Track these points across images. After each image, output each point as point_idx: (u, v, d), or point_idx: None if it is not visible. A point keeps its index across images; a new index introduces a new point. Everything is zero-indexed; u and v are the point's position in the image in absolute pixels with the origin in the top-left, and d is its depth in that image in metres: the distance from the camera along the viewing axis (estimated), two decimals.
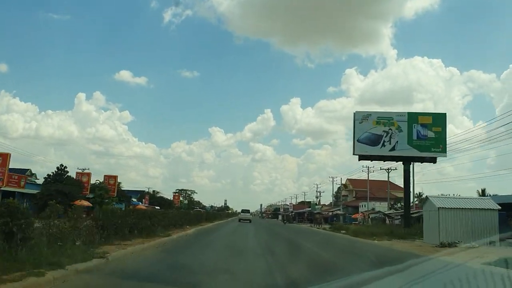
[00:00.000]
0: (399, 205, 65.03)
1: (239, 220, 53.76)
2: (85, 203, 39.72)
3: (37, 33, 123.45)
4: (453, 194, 41.32)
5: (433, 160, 33.94)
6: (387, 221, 46.25)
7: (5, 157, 36.91)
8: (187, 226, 22.57)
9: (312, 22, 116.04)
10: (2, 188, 36.08)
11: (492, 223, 20.91)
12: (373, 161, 37.73)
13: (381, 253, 16.23)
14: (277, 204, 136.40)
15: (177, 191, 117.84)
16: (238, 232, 25.83)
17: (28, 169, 65.41)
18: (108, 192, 46.52)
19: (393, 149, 33.51)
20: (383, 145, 33.63)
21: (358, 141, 33.75)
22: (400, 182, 77.42)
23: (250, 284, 7.21)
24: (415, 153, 33.22)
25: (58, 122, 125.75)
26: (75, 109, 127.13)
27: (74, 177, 46.40)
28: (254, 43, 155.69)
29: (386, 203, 67.84)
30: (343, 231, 36.58)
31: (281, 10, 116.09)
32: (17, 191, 38.33)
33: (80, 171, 48.33)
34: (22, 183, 40.89)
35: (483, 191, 67.42)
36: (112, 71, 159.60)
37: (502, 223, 21.39)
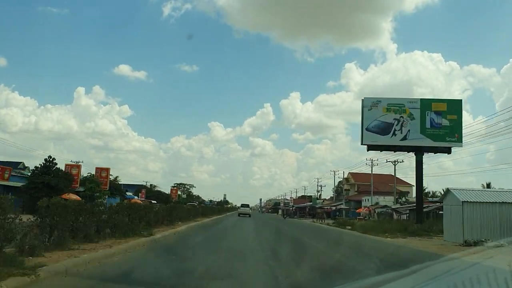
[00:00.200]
0: (403, 199, 63.01)
1: (239, 214, 53.18)
2: (73, 196, 37.13)
3: (36, 27, 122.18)
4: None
5: (447, 150, 31.39)
6: (395, 216, 43.78)
7: None
8: (179, 222, 20.05)
9: (312, 16, 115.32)
10: None
11: None
12: (382, 152, 34.95)
13: (402, 253, 13.77)
14: (277, 198, 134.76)
15: (175, 185, 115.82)
16: (236, 228, 23.37)
17: (21, 162, 63.03)
18: (100, 185, 43.91)
19: (404, 138, 30.93)
20: (394, 134, 31.05)
21: (366, 129, 31.14)
22: (403, 176, 76.03)
23: None
24: (429, 142, 30.67)
25: (58, 116, 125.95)
26: (74, 103, 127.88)
27: (63, 169, 43.74)
28: (254, 37, 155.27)
29: (390, 197, 65.93)
30: (349, 227, 34.18)
31: (280, 4, 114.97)
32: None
33: (70, 163, 45.67)
34: (6, 175, 38.32)
35: (488, 185, 65.50)
36: (112, 65, 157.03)
37: None
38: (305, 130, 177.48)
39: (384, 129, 31.12)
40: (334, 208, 61.95)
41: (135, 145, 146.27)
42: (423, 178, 31.57)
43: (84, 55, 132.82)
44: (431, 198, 66.67)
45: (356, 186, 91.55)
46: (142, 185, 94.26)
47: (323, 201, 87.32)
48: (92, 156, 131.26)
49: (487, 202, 19.20)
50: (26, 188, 36.58)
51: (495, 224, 18.80)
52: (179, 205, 23.01)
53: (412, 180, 64.46)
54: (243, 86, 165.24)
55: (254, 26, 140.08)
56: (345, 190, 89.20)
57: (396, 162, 51.43)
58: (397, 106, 31.37)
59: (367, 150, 32.07)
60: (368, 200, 65.81)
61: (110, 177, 53.09)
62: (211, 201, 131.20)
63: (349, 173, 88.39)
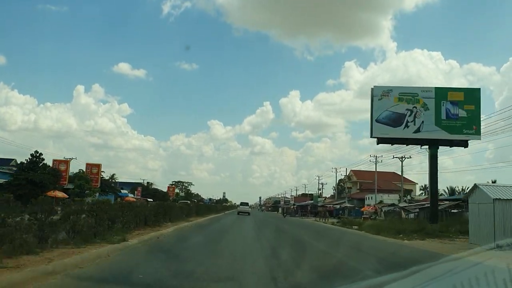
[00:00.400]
0: (408, 197, 60.53)
1: (238, 213, 53.14)
2: (59, 194, 34.72)
3: (35, 25, 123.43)
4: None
5: (464, 144, 28.78)
6: (403, 215, 41.23)
7: None
8: (168, 223, 17.48)
9: (312, 14, 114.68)
10: None
11: None
12: (393, 145, 32.36)
13: (442, 263, 11.07)
14: (277, 196, 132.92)
15: (173, 183, 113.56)
16: (234, 229, 20.83)
17: (13, 159, 60.48)
18: (90, 182, 41.27)
19: (418, 130, 28.33)
20: (406, 125, 28.44)
21: (376, 121, 28.52)
22: (405, 174, 73.61)
23: None
24: (444, 135, 28.09)
25: (57, 114, 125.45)
26: (74, 102, 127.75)
27: (51, 165, 41.14)
28: (253, 35, 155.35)
29: (394, 195, 63.64)
30: (355, 227, 31.70)
31: (280, 2, 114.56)
32: None
33: (58, 158, 43.02)
34: None
35: (494, 182, 63.27)
36: (111, 64, 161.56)
37: None
38: (304, 129, 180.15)
39: (396, 120, 28.53)
40: (338, 206, 59.32)
41: (134, 144, 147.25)
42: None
43: (84, 53, 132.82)
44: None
45: (358, 184, 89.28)
46: (139, 183, 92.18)
47: (325, 199, 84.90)
48: (92, 154, 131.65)
49: None
50: (9, 185, 34.01)
51: None
52: (168, 203, 20.24)
53: (415, 178, 62.31)
54: (242, 84, 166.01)
55: (254, 24, 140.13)
56: (348, 188, 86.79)
57: (403, 158, 48.83)
58: (409, 96, 28.78)
59: (377, 144, 29.48)
60: (371, 198, 63.44)
61: (104, 174, 50.77)
62: (210, 199, 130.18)
63: (351, 170, 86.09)
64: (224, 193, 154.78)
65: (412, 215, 41.56)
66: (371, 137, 28.83)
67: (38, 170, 38.87)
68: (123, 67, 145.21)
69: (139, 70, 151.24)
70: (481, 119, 28.99)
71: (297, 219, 55.04)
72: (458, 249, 15.73)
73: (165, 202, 22.80)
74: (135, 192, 75.90)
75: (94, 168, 45.36)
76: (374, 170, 67.22)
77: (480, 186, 18.10)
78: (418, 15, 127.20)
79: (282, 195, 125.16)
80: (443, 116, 28.17)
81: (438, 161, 28.58)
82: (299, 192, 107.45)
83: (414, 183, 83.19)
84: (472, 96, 28.68)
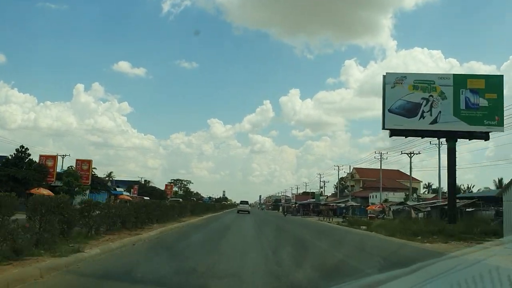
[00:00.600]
0: (415, 195, 58.00)
1: (238, 211, 53.36)
2: (44, 191, 31.98)
3: (35, 23, 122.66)
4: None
5: (485, 136, 26.22)
6: (413, 214, 38.67)
7: None
8: (154, 225, 14.86)
9: (312, 13, 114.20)
10: None
11: None
12: (407, 138, 29.75)
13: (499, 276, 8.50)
14: (278, 195, 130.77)
15: (172, 181, 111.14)
16: (232, 231, 18.23)
17: (6, 156, 57.91)
18: (79, 179, 38.61)
19: (434, 121, 25.74)
20: (422, 116, 25.86)
21: (389, 111, 25.92)
22: (408, 171, 71.12)
23: None
24: (463, 126, 25.51)
25: (57, 113, 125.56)
26: (73, 100, 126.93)
27: (38, 160, 38.53)
28: (253, 33, 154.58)
29: (399, 193, 61.39)
30: (364, 227, 29.15)
31: (280, 0, 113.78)
32: None
33: (45, 153, 40.36)
34: None
35: (500, 180, 60.89)
36: (111, 62, 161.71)
37: None
38: (304, 127, 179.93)
39: (410, 110, 25.94)
40: (343, 205, 56.78)
41: (134, 142, 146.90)
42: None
43: (84, 52, 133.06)
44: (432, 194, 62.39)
45: (361, 182, 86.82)
46: (136, 181, 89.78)
47: (327, 197, 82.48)
48: (92, 153, 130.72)
49: None
50: None
51: None
52: (154, 201, 17.59)
53: (418, 176, 59.77)
54: (242, 82, 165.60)
55: (254, 23, 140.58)
56: (351, 186, 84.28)
57: (412, 154, 46.19)
58: (425, 83, 26.17)
59: (390, 136, 26.85)
60: (376, 196, 61.02)
61: (102, 172, 48.32)
62: (210, 197, 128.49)
63: (354, 168, 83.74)
64: (224, 191, 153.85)
65: (421, 214, 39.20)
66: (383, 128, 26.25)
67: (23, 166, 36.32)
68: (123, 66, 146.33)
69: (139, 69, 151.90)
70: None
71: (299, 218, 52.49)
72: (501, 257, 13.21)
73: (141, 200, 20.31)
74: (132, 190, 73.25)
75: (84, 164, 42.60)
76: (377, 168, 65.30)
77: None
78: (418, 14, 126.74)
79: (283, 194, 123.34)
80: (462, 106, 25.61)
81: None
82: (300, 191, 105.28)
83: (419, 181, 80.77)
84: (494, 83, 26.13)
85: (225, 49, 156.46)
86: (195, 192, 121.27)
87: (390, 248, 14.56)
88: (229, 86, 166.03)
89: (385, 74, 26.80)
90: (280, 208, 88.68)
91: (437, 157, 41.23)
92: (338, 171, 75.68)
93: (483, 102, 25.54)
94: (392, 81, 26.32)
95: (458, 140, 26.43)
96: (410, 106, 25.94)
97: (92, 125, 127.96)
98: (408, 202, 44.08)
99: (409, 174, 71.86)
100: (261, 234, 18.06)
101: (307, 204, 71.13)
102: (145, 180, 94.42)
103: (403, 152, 46.81)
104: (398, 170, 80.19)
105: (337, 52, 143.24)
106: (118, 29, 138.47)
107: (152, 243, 10.93)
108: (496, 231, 20.11)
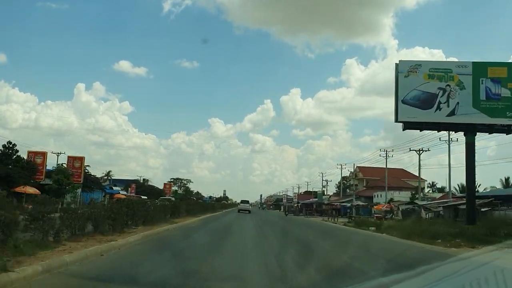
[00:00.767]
0: (421, 194, 55.87)
1: (239, 211, 53.63)
2: (30, 190, 30.02)
3: (35, 22, 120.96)
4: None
5: (507, 130, 24.06)
6: (423, 214, 36.49)
7: None
8: (137, 228, 12.64)
9: (313, 12, 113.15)
10: None
11: None
12: (421, 131, 27.55)
13: None
14: (279, 194, 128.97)
15: (171, 179, 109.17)
16: (231, 235, 16.03)
17: None
18: (69, 177, 36.42)
19: (452, 113, 23.60)
20: (439, 107, 23.70)
21: (403, 102, 23.76)
22: (412, 170, 69.10)
23: None
24: (484, 119, 23.39)
25: (58, 112, 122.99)
26: (74, 100, 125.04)
27: (26, 157, 36.39)
28: (254, 33, 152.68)
29: (405, 192, 59.38)
30: (373, 228, 26.96)
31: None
32: None
33: (34, 150, 38.19)
34: None
35: (507, 179, 58.82)
36: (112, 61, 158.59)
37: None
38: (305, 126, 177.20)
39: (426, 101, 23.79)
40: (349, 204, 54.60)
41: (135, 142, 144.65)
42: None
43: (84, 51, 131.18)
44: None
45: (364, 181, 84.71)
46: (135, 180, 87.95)
47: (329, 197, 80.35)
48: (92, 153, 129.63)
49: None
50: None
51: None
52: (136, 200, 15.35)
53: (422, 174, 57.65)
54: (243, 82, 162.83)
55: (255, 22, 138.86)
56: (355, 185, 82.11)
57: (421, 151, 43.90)
58: (442, 72, 24.02)
59: (403, 129, 24.58)
60: (380, 196, 58.91)
61: (100, 171, 46.19)
62: (210, 197, 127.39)
63: (357, 167, 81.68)
64: (224, 191, 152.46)
65: (430, 214, 37.08)
66: (396, 121, 24.06)
67: (10, 163, 34.21)
68: (124, 65, 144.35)
69: (140, 68, 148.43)
70: None
71: (301, 218, 50.22)
72: None
73: (120, 199, 18.17)
74: (129, 189, 71.26)
75: (76, 161, 40.36)
76: (380, 166, 63.43)
77: None
78: (420, 13, 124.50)
79: (284, 193, 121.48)
80: (483, 96, 23.51)
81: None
82: (301, 190, 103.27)
83: (423, 180, 78.65)
84: None
85: (226, 48, 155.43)
86: (195, 191, 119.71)
87: (417, 256, 12.36)
88: (230, 85, 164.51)
89: (397, 61, 24.66)
90: (282, 207, 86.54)
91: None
92: (341, 170, 73.55)
93: (505, 92, 23.46)
94: (405, 70, 24.15)
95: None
96: (425, 97, 23.79)
97: (93, 124, 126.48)
98: (417, 202, 41.89)
99: (412, 173, 70.20)
100: (265, 238, 15.89)
101: (310, 204, 68.92)
102: (143, 179, 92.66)
103: (411, 149, 44.52)
104: (403, 169, 78.32)
105: (338, 51, 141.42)
106: (119, 28, 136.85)
107: (126, 252, 8.62)
108: None
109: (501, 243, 16.84)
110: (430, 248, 14.50)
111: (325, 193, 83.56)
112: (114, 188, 65.87)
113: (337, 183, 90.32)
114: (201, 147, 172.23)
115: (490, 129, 24.16)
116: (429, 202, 40.34)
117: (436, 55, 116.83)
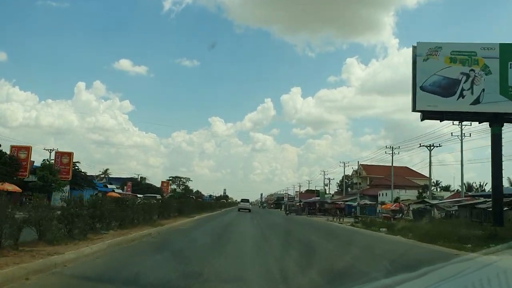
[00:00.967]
0: (428, 193, 53.46)
1: (239, 209, 53.79)
2: (10, 187, 27.50)
3: (36, 21, 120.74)
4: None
5: None
6: (436, 214, 34.01)
7: None
8: (108, 232, 10.08)
9: (313, 11, 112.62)
10: None
11: None
12: (442, 122, 24.94)
13: None
14: (280, 192, 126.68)
15: (170, 178, 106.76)
16: (225, 244, 13.37)
17: None
18: (56, 174, 33.85)
19: (477, 101, 21.01)
20: (461, 95, 21.11)
21: (421, 88, 21.17)
22: (418, 169, 66.67)
23: None
24: None
25: (58, 111, 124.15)
26: (75, 98, 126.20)
27: (9, 152, 33.79)
28: (254, 31, 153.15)
29: (412, 191, 57.20)
30: (384, 229, 24.48)
31: None
32: None
33: (17, 144, 35.57)
34: None
35: None
36: (112, 60, 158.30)
37: None
38: (305, 125, 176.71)
39: (447, 87, 21.20)
40: (355, 203, 52.09)
41: (136, 140, 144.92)
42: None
43: (85, 50, 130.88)
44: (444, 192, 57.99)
45: (368, 179, 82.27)
46: (132, 177, 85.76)
47: (332, 195, 77.91)
48: (93, 151, 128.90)
49: None
50: None
51: None
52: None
53: (425, 172, 55.15)
54: (243, 81, 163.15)
55: (255, 21, 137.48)
56: (358, 183, 79.67)
57: (433, 146, 41.31)
58: (465, 55, 21.42)
59: (422, 119, 21.89)
60: (386, 194, 56.49)
61: (97, 170, 43.58)
62: (210, 196, 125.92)
63: (361, 164, 79.38)
64: (224, 189, 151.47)
65: (443, 214, 34.66)
66: (414, 110, 21.46)
67: None
68: (124, 64, 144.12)
69: (140, 67, 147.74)
70: None
71: (303, 218, 47.58)
72: None
73: (94, 197, 15.55)
74: (125, 187, 68.74)
75: (64, 157, 37.76)
76: (384, 164, 61.34)
77: None
78: (420, 12, 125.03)
79: (285, 192, 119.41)
80: (511, 82, 20.88)
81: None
82: (302, 189, 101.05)
83: (428, 178, 76.15)
84: None
85: (227, 47, 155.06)
86: (195, 190, 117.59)
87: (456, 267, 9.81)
88: (230, 84, 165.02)
89: (415, 44, 21.98)
90: (283, 206, 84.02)
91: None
92: (344, 168, 71.15)
93: None
94: (424, 53, 21.56)
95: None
96: (446, 83, 21.20)
97: (93, 123, 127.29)
98: (427, 200, 39.33)
99: (416, 171, 67.81)
100: (266, 240, 13.32)
101: (312, 203, 66.34)
102: (141, 177, 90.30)
103: (421, 144, 41.94)
104: (407, 167, 75.99)
105: (338, 50, 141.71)
106: (119, 27, 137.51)
107: (68, 273, 6.01)
108: None
109: None
110: (448, 252, 11.94)
111: (327, 192, 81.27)
112: (110, 186, 63.37)
113: (338, 182, 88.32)
114: (202, 145, 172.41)
115: None
116: (441, 201, 37.82)
117: None
